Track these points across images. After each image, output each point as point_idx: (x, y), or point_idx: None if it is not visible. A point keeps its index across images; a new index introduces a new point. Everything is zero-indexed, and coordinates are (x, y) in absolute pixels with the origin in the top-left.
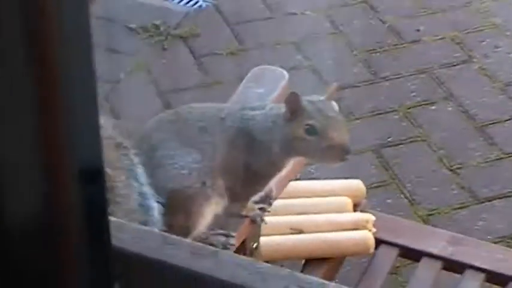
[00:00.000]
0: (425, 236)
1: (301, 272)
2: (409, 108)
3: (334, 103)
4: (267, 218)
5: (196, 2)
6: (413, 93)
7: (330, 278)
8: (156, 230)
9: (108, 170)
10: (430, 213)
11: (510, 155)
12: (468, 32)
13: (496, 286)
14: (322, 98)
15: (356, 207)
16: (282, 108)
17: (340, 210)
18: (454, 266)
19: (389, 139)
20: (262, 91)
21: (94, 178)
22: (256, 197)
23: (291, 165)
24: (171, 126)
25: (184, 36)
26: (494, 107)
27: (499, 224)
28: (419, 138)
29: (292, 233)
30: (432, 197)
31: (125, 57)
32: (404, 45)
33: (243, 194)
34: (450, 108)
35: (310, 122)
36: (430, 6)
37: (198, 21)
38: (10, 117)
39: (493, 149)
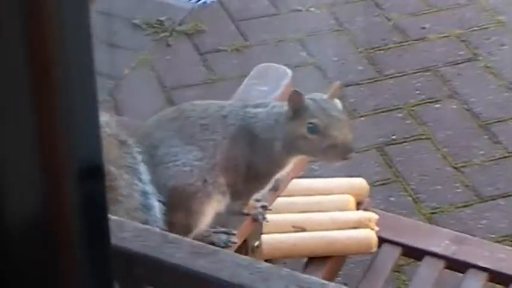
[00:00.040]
0: (427, 235)
1: (304, 270)
2: (413, 106)
3: (337, 101)
4: (269, 216)
5: None
6: (418, 91)
7: (332, 276)
8: (157, 229)
9: (111, 168)
10: (434, 211)
11: None
12: (473, 30)
13: (499, 286)
14: (325, 96)
15: (359, 205)
16: (285, 106)
17: (343, 208)
18: (456, 265)
19: (393, 137)
20: (266, 89)
21: (94, 177)
22: (258, 195)
23: (293, 163)
24: (173, 124)
25: (189, 32)
26: (499, 105)
27: (503, 222)
28: (423, 136)
29: (294, 231)
30: (436, 195)
31: (129, 53)
32: (409, 42)
33: (244, 192)
34: (455, 106)
35: (312, 120)
36: (435, 4)
37: (203, 18)
38: (10, 117)
39: (497, 148)
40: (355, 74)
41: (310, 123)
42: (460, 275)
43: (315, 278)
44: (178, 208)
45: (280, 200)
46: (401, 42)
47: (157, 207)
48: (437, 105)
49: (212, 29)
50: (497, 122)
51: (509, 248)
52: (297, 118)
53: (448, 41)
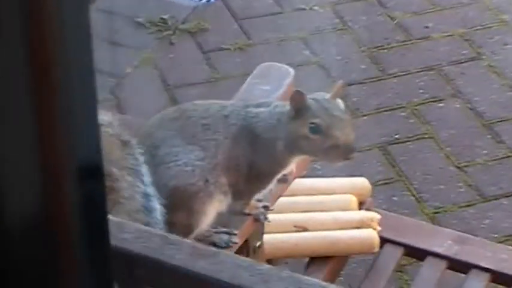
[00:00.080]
0: (430, 235)
1: (305, 270)
2: (416, 105)
3: (340, 101)
4: (271, 216)
5: None
6: (421, 90)
7: (334, 277)
8: (157, 230)
9: (113, 170)
10: (437, 211)
11: None
12: (477, 29)
13: (501, 286)
14: (327, 96)
15: (361, 205)
16: (287, 106)
17: (345, 208)
18: (458, 266)
19: (396, 136)
20: (268, 88)
21: (94, 177)
22: (259, 195)
23: (294, 163)
24: (174, 124)
25: (192, 30)
26: (502, 104)
27: (506, 222)
28: (426, 136)
29: (296, 231)
30: (439, 194)
31: (132, 52)
32: (412, 41)
33: (246, 192)
34: (458, 106)
35: (314, 120)
36: (438, 3)
37: (206, 16)
38: (10, 117)
39: (500, 147)
40: (358, 73)
41: (312, 123)
42: (463, 275)
43: (315, 280)
44: (180, 208)
45: (282, 200)
46: (405, 41)
47: (158, 209)
48: (440, 105)
49: (215, 27)
50: (501, 121)
51: None
52: (299, 118)
53: (452, 40)
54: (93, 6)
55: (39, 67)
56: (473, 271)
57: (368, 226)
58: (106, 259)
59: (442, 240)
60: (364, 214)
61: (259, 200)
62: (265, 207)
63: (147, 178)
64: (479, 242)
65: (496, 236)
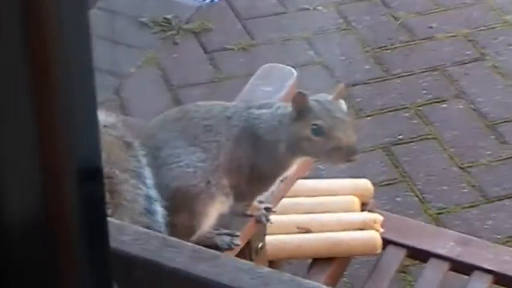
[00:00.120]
0: (433, 237)
1: (308, 271)
2: (420, 106)
3: (342, 102)
4: (273, 217)
5: None
6: (425, 91)
7: (337, 278)
8: (157, 233)
9: (116, 172)
10: (440, 211)
11: None
12: (481, 30)
13: None
14: (329, 97)
15: (364, 206)
16: (289, 107)
17: (347, 209)
18: (461, 267)
19: (399, 137)
20: (270, 89)
21: (93, 177)
22: (261, 197)
23: (297, 164)
24: (176, 125)
25: (196, 30)
26: (506, 105)
27: (509, 223)
28: (430, 136)
29: (299, 232)
30: (442, 195)
31: (136, 51)
32: (416, 42)
33: (248, 194)
34: (462, 106)
35: (316, 122)
36: (442, 3)
37: (210, 16)
38: (10, 117)
39: (504, 148)
40: (362, 73)
41: (315, 124)
42: (465, 277)
43: (316, 284)
44: (182, 209)
45: (284, 201)
46: (409, 41)
47: (160, 212)
48: (444, 105)
49: (219, 27)
50: (504, 122)
51: None
52: (301, 119)
53: (456, 41)
54: (96, 6)
55: (39, 67)
56: (476, 273)
57: (371, 227)
58: (106, 259)
59: (445, 242)
60: (366, 215)
61: (261, 202)
62: (267, 209)
63: (150, 180)
64: (482, 243)
65: (499, 236)
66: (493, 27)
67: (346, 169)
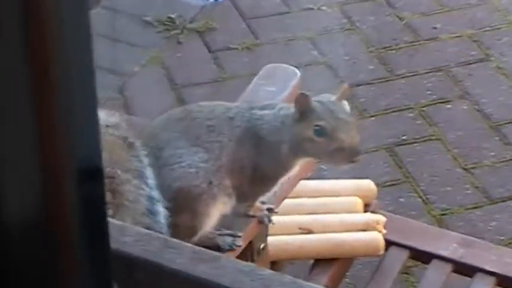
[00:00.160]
0: (435, 238)
1: (310, 272)
2: (424, 107)
3: (345, 103)
4: (276, 218)
5: None
6: (429, 92)
7: (339, 279)
8: (158, 234)
9: (118, 172)
10: (443, 212)
11: None
12: (485, 30)
13: None
14: (332, 98)
15: (366, 207)
16: (292, 108)
17: (350, 210)
18: (464, 269)
19: (403, 137)
20: (273, 89)
21: (93, 177)
22: (264, 198)
23: (299, 165)
24: (179, 125)
25: (200, 30)
26: (510, 106)
27: None
28: (433, 137)
29: (301, 233)
30: (446, 196)
31: (140, 50)
32: (420, 42)
33: (250, 194)
34: (466, 107)
35: (319, 123)
36: (447, 4)
37: (214, 15)
38: (9, 117)
39: (508, 149)
40: (366, 73)
41: (317, 125)
42: (468, 279)
43: (318, 286)
44: (184, 210)
45: (287, 202)
46: (413, 41)
47: (162, 213)
48: (448, 106)
49: (223, 26)
50: (509, 123)
51: None
52: (304, 120)
53: (460, 41)
54: (100, 4)
55: (39, 67)
56: (479, 274)
57: (373, 228)
58: (106, 259)
59: (448, 243)
60: (369, 216)
61: (263, 202)
62: (270, 210)
63: (152, 181)
64: (485, 245)
65: (502, 238)
66: (498, 28)
67: (350, 169)
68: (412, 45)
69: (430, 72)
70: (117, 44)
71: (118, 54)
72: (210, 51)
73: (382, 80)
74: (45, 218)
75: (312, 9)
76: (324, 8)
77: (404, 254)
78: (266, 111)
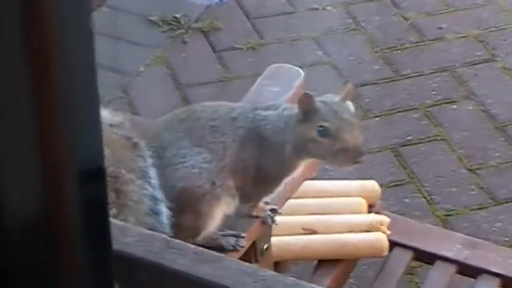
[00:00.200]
0: (439, 239)
1: (314, 272)
2: (429, 107)
3: (349, 104)
4: (279, 218)
5: None
6: (434, 92)
7: (343, 280)
8: (160, 234)
9: (122, 171)
10: (448, 213)
11: None
12: (491, 31)
13: None
14: (336, 98)
15: (370, 208)
16: (295, 108)
17: (354, 211)
18: (468, 270)
19: (408, 138)
20: (277, 90)
21: (95, 177)
22: (267, 198)
23: (303, 166)
24: (182, 125)
25: (205, 29)
26: None
27: None
28: (439, 138)
29: (305, 234)
30: (451, 197)
31: (145, 50)
32: (425, 42)
33: (253, 195)
34: (471, 108)
35: (323, 123)
36: (452, 4)
37: (219, 15)
38: (10, 117)
39: None
40: (371, 73)
41: (321, 126)
42: (472, 280)
43: None
44: (187, 210)
45: (291, 202)
46: (418, 42)
47: (165, 213)
48: (453, 106)
49: (228, 26)
50: None
51: None
52: (308, 121)
53: (466, 42)
54: (105, 4)
55: (39, 67)
56: (483, 276)
57: (377, 229)
58: (107, 260)
59: (452, 244)
60: (373, 217)
61: (266, 203)
62: (273, 210)
63: (155, 181)
64: (490, 246)
65: (507, 239)
66: (504, 28)
67: (354, 170)
68: (417, 46)
69: (436, 72)
70: (121, 43)
71: (123, 54)
72: (214, 51)
73: (387, 80)
74: (46, 218)
75: (317, 9)
76: (329, 8)
77: (408, 255)
78: (270, 112)
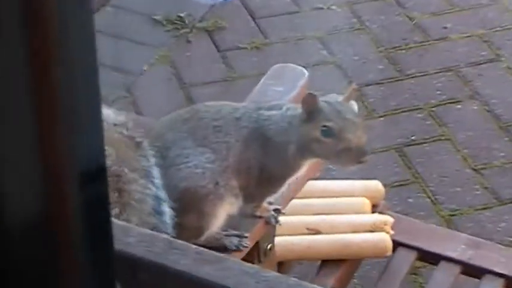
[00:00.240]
0: (443, 240)
1: (318, 272)
2: (434, 107)
3: (353, 103)
4: (283, 218)
5: None
6: (439, 92)
7: (347, 280)
8: (162, 235)
9: (125, 170)
10: (453, 213)
11: None
12: (496, 30)
13: None
14: (340, 98)
15: (374, 208)
16: (299, 108)
17: (358, 211)
18: (472, 271)
19: (413, 137)
20: (281, 89)
21: (96, 178)
22: (271, 198)
23: (307, 166)
24: (186, 125)
25: (209, 29)
26: None
27: None
28: (443, 137)
29: (308, 234)
30: (455, 197)
31: (149, 49)
32: (430, 42)
33: (257, 195)
34: (475, 107)
35: (326, 123)
36: (457, 4)
37: (224, 14)
38: (10, 117)
39: None
40: (375, 73)
41: (325, 126)
42: (476, 280)
43: None
44: (190, 210)
45: (295, 202)
46: (423, 41)
47: (168, 213)
48: (458, 106)
49: (232, 26)
50: None
51: None
52: (311, 121)
53: (470, 41)
54: (109, 3)
55: (39, 67)
56: (487, 276)
57: (381, 229)
58: (109, 260)
59: (456, 245)
60: (377, 217)
61: (270, 203)
62: (277, 210)
63: (158, 181)
64: (494, 246)
65: (511, 239)
66: (509, 28)
67: (358, 169)
68: (422, 45)
69: (440, 72)
70: (125, 42)
71: (127, 53)
72: (219, 51)
73: (392, 80)
74: (46, 218)
75: (321, 8)
76: (333, 7)
77: (412, 255)
78: (273, 112)
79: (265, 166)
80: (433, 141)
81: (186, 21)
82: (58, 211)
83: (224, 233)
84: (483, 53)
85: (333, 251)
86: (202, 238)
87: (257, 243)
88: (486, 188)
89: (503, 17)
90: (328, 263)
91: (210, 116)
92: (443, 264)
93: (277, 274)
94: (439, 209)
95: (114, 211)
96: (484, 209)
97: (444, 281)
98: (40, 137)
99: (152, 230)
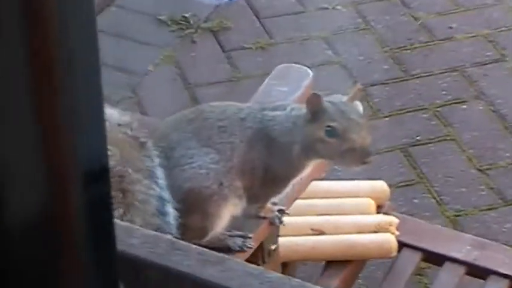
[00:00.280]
0: (448, 240)
1: (323, 273)
2: (439, 107)
3: (358, 104)
4: (288, 218)
5: None
6: (444, 92)
7: (351, 280)
8: (166, 236)
9: (129, 171)
10: (458, 214)
11: None
12: (501, 31)
13: None
14: (344, 98)
15: (379, 209)
16: (303, 109)
17: (363, 211)
18: (477, 272)
19: (418, 138)
20: (286, 90)
21: (99, 178)
22: (275, 199)
23: (311, 167)
24: (190, 125)
25: (214, 29)
26: None
27: None
28: (448, 138)
29: (313, 234)
30: (460, 197)
31: (154, 50)
32: (435, 42)
33: (261, 196)
34: (481, 108)
35: (331, 123)
36: (463, 4)
37: (229, 15)
38: (11, 117)
39: None
40: (380, 73)
41: (329, 126)
42: (481, 281)
43: None
44: (194, 211)
45: (299, 202)
46: (428, 41)
47: (172, 214)
48: (463, 106)
49: (237, 26)
50: None
51: None
52: (316, 121)
53: (475, 41)
54: (114, 3)
55: (39, 67)
56: (492, 277)
57: (386, 230)
58: (112, 261)
59: (461, 246)
60: (382, 218)
61: (274, 204)
62: (281, 211)
63: (162, 181)
64: (499, 247)
65: None
66: None
67: (363, 170)
68: (427, 45)
69: (445, 72)
70: (130, 42)
71: (131, 53)
72: (224, 51)
73: (397, 80)
74: (49, 218)
75: (326, 8)
76: (338, 7)
77: (417, 256)
78: (278, 112)
79: (269, 166)
80: (438, 141)
81: (191, 22)
82: (61, 211)
83: (228, 233)
84: (488, 53)
85: (338, 251)
86: (206, 239)
87: (261, 244)
88: (491, 188)
89: (508, 17)
90: (333, 263)
91: (215, 116)
92: (448, 265)
93: (281, 275)
94: (444, 210)
95: (118, 212)
96: (490, 209)
97: (449, 281)
98: (43, 137)
99: (156, 230)
